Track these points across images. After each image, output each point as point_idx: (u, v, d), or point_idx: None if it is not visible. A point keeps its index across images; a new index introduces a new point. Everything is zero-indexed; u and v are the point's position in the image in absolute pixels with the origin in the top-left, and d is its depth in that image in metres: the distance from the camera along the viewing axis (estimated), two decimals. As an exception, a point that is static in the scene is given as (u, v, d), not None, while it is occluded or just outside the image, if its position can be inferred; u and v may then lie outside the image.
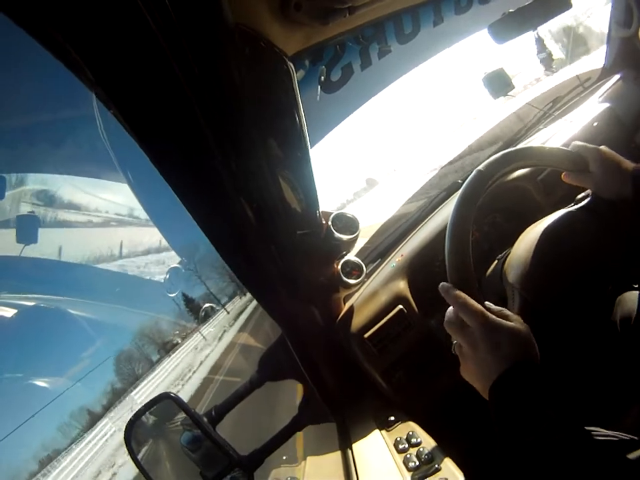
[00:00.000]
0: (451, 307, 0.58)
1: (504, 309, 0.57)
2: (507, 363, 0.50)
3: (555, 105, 1.22)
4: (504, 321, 0.53)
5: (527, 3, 0.86)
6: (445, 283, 0.58)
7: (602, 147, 0.69)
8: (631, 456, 0.39)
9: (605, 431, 0.43)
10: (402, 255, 1.01)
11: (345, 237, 0.85)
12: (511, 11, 0.85)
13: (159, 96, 0.48)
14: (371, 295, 0.99)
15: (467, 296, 0.55)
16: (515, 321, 0.54)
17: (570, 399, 0.47)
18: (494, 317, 0.53)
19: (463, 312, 0.54)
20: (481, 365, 0.52)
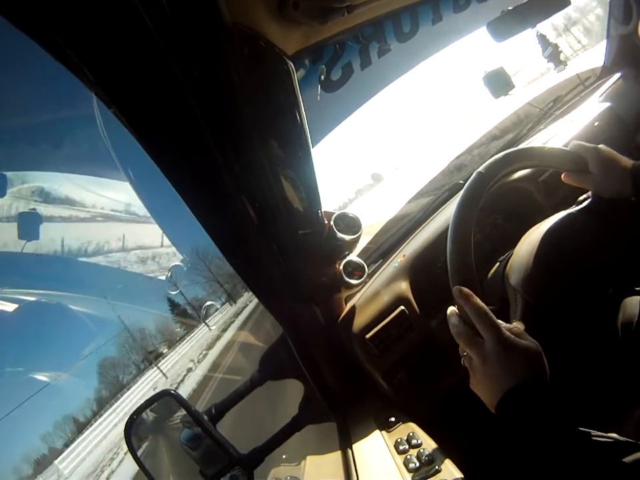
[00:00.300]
0: (451, 312, 0.57)
1: (516, 325, 0.57)
2: (516, 380, 0.49)
3: (555, 105, 1.21)
4: (518, 339, 0.52)
5: (525, 0, 0.86)
6: (462, 288, 0.56)
7: (600, 146, 0.68)
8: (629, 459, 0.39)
9: (609, 434, 0.43)
10: (404, 256, 1.01)
11: (347, 237, 0.85)
12: (509, 8, 0.85)
13: (158, 96, 0.48)
14: (372, 295, 0.99)
15: (484, 305, 0.54)
16: (527, 340, 0.53)
17: (573, 404, 0.47)
18: (508, 333, 0.52)
19: (480, 323, 0.53)
20: (491, 379, 0.52)
